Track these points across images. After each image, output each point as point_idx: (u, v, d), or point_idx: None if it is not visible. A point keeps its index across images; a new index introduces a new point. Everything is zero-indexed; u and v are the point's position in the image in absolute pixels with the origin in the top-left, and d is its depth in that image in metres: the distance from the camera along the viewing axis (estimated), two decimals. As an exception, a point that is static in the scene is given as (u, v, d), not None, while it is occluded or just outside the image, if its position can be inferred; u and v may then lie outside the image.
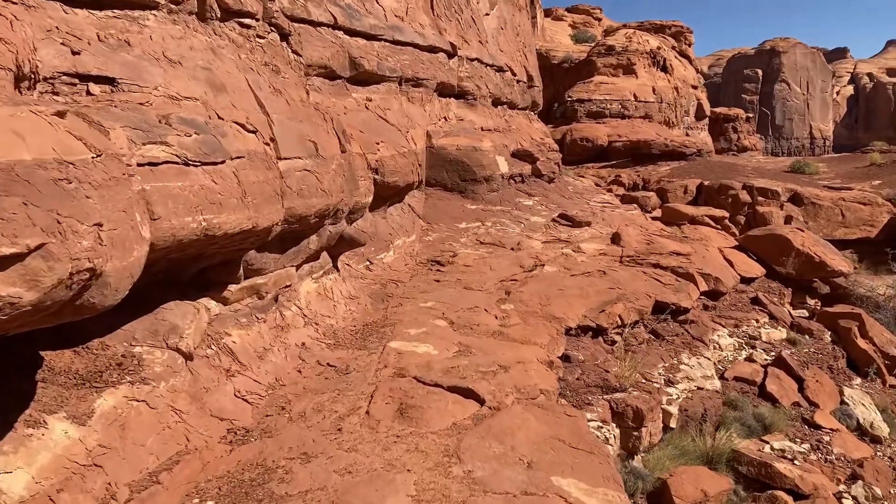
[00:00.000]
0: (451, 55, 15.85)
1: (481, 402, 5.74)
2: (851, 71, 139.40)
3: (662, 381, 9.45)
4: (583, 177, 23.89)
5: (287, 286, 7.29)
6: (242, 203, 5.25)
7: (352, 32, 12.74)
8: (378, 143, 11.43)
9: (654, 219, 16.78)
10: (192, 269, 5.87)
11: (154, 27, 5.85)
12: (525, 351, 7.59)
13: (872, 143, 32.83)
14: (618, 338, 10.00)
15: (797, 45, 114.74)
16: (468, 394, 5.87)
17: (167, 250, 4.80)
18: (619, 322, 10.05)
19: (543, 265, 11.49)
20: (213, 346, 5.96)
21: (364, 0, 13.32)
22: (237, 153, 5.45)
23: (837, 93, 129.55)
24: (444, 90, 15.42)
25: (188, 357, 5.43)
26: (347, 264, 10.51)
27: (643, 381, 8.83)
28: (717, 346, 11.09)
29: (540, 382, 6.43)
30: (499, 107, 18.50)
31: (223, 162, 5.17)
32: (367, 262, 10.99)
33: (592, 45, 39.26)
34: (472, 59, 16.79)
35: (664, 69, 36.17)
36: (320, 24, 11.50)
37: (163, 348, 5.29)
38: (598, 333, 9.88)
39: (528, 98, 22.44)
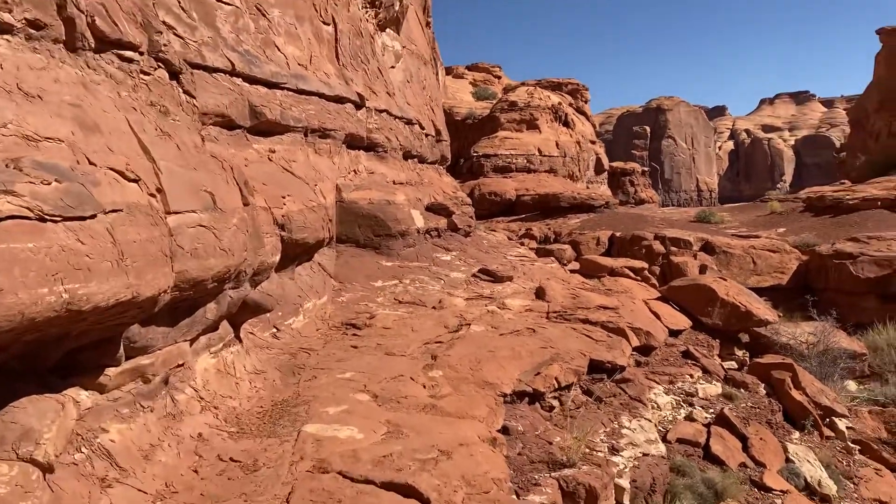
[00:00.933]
0: (358, 106, 15.09)
1: (425, 502, 4.71)
2: (731, 127, 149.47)
3: (607, 450, 8.68)
4: (494, 231, 23.47)
5: (179, 365, 6.09)
6: (119, 268, 4.14)
7: (251, 80, 11.77)
8: (284, 198, 10.39)
9: (572, 272, 16.36)
10: (55, 351, 4.64)
11: (6, 54, 4.72)
12: (464, 427, 6.64)
13: (767, 192, 34.34)
14: (556, 403, 9.21)
15: (681, 104, 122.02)
16: (408, 491, 4.84)
17: (15, 332, 3.63)
18: (556, 385, 9.27)
19: (469, 324, 10.64)
20: (83, 449, 4.70)
21: (264, 47, 12.38)
22: (113, 206, 4.35)
23: (720, 147, 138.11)
24: (353, 142, 14.58)
25: (47, 469, 4.17)
26: (252, 333, 9.31)
27: (589, 451, 8.01)
28: (656, 406, 10.48)
29: (490, 469, 5.49)
30: (409, 160, 17.83)
31: (94, 216, 4.06)
32: (274, 330, 9.81)
33: (495, 101, 39.78)
34: (381, 111, 16.09)
35: (566, 124, 36.94)
36: (216, 70, 10.49)
37: (11, 461, 4.03)
38: (534, 399, 9.06)
39: (437, 152, 21.97)
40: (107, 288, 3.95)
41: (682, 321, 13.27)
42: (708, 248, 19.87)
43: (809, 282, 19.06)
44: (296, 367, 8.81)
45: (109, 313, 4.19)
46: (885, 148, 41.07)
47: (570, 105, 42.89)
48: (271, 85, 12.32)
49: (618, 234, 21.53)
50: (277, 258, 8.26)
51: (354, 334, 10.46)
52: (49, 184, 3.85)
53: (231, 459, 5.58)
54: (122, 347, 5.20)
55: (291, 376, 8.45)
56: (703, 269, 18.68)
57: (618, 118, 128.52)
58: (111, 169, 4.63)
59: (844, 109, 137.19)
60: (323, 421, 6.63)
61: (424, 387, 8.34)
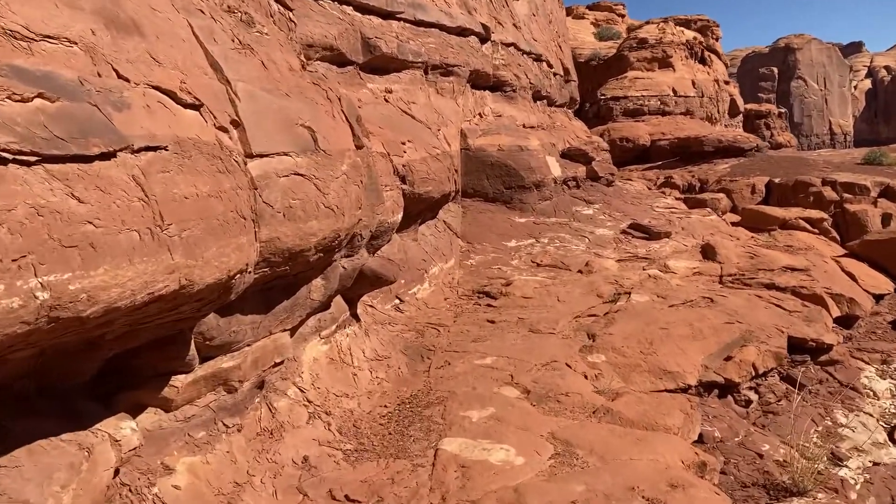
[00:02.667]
0: (483, 39, 13.16)
1: None
2: (868, 65, 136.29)
3: (826, 458, 6.59)
4: (630, 180, 21.02)
5: (277, 364, 4.56)
6: (155, 241, 2.54)
7: (363, 8, 10.12)
8: (404, 144, 8.73)
9: (733, 224, 13.93)
10: (88, 362, 3.16)
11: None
12: (659, 446, 4.78)
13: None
14: (752, 395, 7.16)
15: (812, 42, 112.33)
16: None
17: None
18: (753, 372, 7.22)
19: (629, 293, 8.67)
20: None
21: (377, -29, 10.66)
22: (149, 141, 2.75)
23: (855, 87, 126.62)
24: (477, 80, 12.72)
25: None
26: (371, 306, 7.80)
27: (809, 463, 5.96)
28: (872, 393, 8.18)
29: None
30: (538, 101, 15.78)
31: (108, 156, 2.45)
32: (397, 301, 8.26)
33: (622, 39, 36.47)
34: (508, 45, 14.08)
35: (702, 61, 33.31)
36: (323, -4, 8.90)
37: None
38: (725, 390, 7.07)
39: (566, 93, 19.71)
40: (129, 276, 2.36)
41: (884, 283, 10.69)
42: (889, 193, 16.66)
43: None
44: (424, 348, 7.22)
45: (144, 313, 2.61)
46: None
47: (700, 43, 38.86)
48: (386, 14, 10.62)
49: (776, 181, 18.56)
50: (399, 217, 6.62)
51: (489, 305, 8.75)
52: (29, 101, 2.25)
53: (347, 499, 4.00)
54: (192, 346, 3.70)
55: (420, 361, 6.86)
56: (886, 218, 15.61)
57: (742, 60, 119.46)
58: (154, 87, 3.03)
59: None
60: (466, 432, 4.97)
61: (586, 377, 6.53)
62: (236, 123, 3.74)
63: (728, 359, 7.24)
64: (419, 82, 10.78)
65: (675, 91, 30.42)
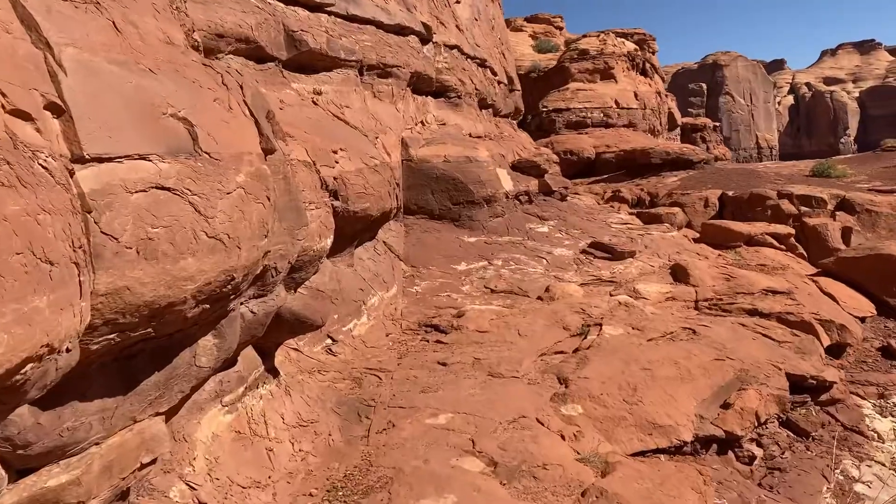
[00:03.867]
0: (424, 40, 11.92)
1: None
2: (790, 81, 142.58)
3: (847, 525, 5.53)
4: (577, 194, 20.09)
5: (146, 465, 3.14)
6: None
7: (287, -1, 8.77)
8: (336, 153, 7.38)
9: (695, 241, 13.03)
10: None
11: None
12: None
13: (883, 140, 29.93)
14: (756, 449, 6.05)
15: (738, 58, 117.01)
16: None
17: None
18: (756, 422, 6.12)
19: (600, 325, 7.51)
20: None
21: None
22: None
23: (779, 103, 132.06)
24: (419, 84, 11.46)
25: None
26: (295, 349, 6.40)
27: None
28: (877, 436, 7.22)
29: None
30: (484, 110, 14.61)
31: None
32: (329, 341, 6.88)
33: (562, 51, 35.95)
34: (452, 47, 12.90)
35: (644, 73, 33.00)
36: (237, -21, 7.51)
37: None
38: (725, 445, 5.93)
39: (511, 103, 18.66)
40: None
41: (866, 305, 9.86)
42: (846, 206, 16.15)
43: None
44: (362, 403, 5.85)
45: None
46: None
47: (641, 55, 38.73)
48: (314, 7, 9.28)
49: (730, 194, 17.90)
50: (329, 241, 5.29)
51: (439, 341, 7.44)
52: None
53: None
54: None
55: (357, 422, 5.50)
56: (846, 232, 15.05)
57: (672, 76, 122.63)
58: None
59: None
60: (419, 539, 3.64)
61: (563, 437, 5.29)
62: (57, 109, 2.36)
63: (726, 406, 6.13)
64: (353, 83, 9.45)
65: (617, 103, 29.90)
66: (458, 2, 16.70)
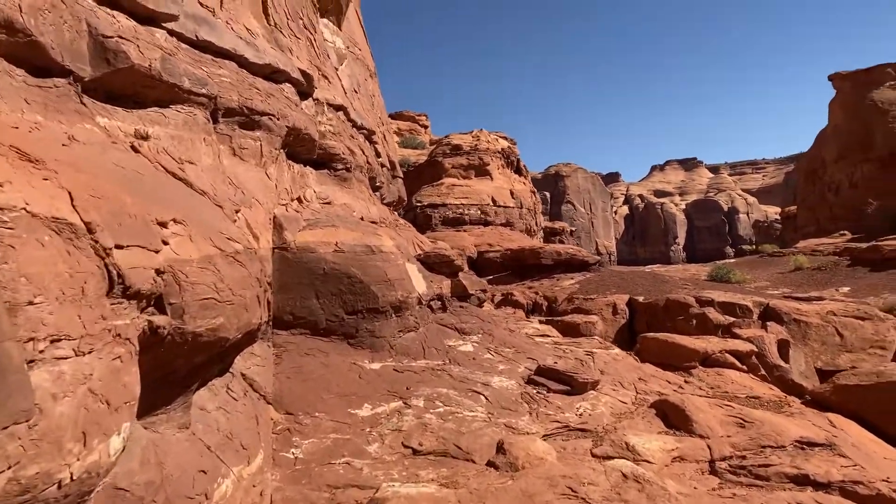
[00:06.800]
0: (304, 93, 8.94)
1: None
2: (625, 192, 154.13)
3: None
4: (467, 297, 17.31)
5: None
6: None
7: (100, -7, 5.55)
8: (165, 226, 4.05)
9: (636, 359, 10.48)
10: None
11: None
12: None
13: (761, 245, 29.98)
14: None
15: (578, 170, 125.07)
16: None
17: None
18: None
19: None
20: None
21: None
22: None
23: (616, 212, 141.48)
24: (297, 147, 8.35)
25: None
26: None
27: None
28: None
29: None
30: (376, 192, 11.65)
31: None
32: None
33: (432, 146, 34.29)
34: (337, 108, 9.97)
35: (518, 171, 31.73)
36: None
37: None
38: None
39: (395, 190, 15.87)
40: None
41: (892, 452, 7.53)
42: (771, 315, 14.51)
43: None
44: None
45: None
46: (847, 200, 38.21)
47: (515, 153, 37.97)
48: (145, 18, 6.07)
49: (640, 299, 15.88)
50: (122, 441, 1.90)
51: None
52: None
53: None
54: None
55: None
56: (783, 346, 13.20)
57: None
58: None
59: (729, 175, 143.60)
60: None
61: None
62: None
63: None
64: (202, 130, 6.18)
65: (494, 200, 28.15)
66: (336, 69, 13.96)
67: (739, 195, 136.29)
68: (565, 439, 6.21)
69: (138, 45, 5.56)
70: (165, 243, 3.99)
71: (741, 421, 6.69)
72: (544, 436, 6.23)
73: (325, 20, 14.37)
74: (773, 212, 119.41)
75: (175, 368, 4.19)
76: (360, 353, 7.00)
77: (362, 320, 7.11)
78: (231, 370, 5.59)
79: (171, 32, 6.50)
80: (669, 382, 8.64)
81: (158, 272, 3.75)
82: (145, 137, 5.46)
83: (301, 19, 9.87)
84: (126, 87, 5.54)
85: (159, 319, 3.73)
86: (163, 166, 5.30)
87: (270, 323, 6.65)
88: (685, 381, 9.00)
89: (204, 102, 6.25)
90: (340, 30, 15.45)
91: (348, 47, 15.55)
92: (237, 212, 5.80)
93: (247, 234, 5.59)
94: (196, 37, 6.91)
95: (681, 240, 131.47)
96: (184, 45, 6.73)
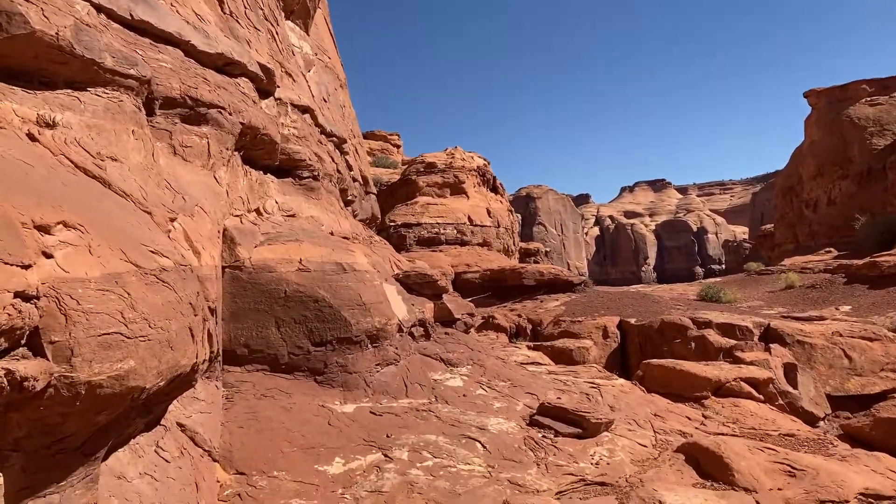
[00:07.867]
0: (265, 91, 7.78)
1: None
2: (596, 213, 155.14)
3: None
4: (446, 321, 16.11)
5: None
6: None
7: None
8: (48, 231, 2.81)
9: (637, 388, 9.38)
10: None
11: None
12: None
13: (747, 264, 29.30)
14: None
15: (549, 192, 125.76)
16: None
17: None
18: None
19: None
20: None
21: None
22: None
23: (586, 233, 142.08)
24: (255, 150, 7.16)
25: None
26: None
27: None
28: None
29: None
30: (348, 206, 10.48)
31: None
32: None
33: (405, 165, 33.24)
34: (303, 110, 8.82)
35: (494, 189, 30.76)
36: None
37: None
38: None
39: (368, 207, 14.73)
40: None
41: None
42: (773, 337, 13.58)
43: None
44: None
45: None
46: (825, 217, 37.86)
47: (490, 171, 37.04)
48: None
49: (632, 321, 14.86)
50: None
51: None
52: None
53: None
54: None
55: None
56: (790, 371, 12.20)
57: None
58: None
59: (698, 195, 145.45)
60: None
61: None
62: None
63: None
64: (131, 121, 4.98)
65: (471, 220, 27.10)
66: (303, 73, 12.80)
67: (708, 215, 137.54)
68: (584, 497, 5.05)
69: (42, 9, 4.37)
70: (48, 256, 2.78)
71: (790, 469, 5.58)
72: (557, 493, 5.06)
73: (290, 23, 13.25)
74: (740, 232, 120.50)
75: (66, 434, 2.97)
76: (330, 393, 5.78)
77: (332, 353, 5.90)
78: (163, 422, 4.35)
79: (99, 8, 5.32)
80: (690, 419, 7.56)
81: (26, 297, 2.54)
82: (51, 125, 4.25)
83: (261, 9, 8.74)
84: (27, 61, 4.34)
85: (27, 367, 2.52)
86: (71, 160, 4.09)
87: (219, 358, 5.42)
88: (705, 417, 7.93)
89: (133, 87, 5.05)
90: (308, 35, 14.35)
91: (316, 54, 14.44)
92: (172, 220, 4.60)
93: (182, 248, 4.38)
94: (131, 15, 5.75)
95: (651, 260, 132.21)
96: (115, 25, 5.55)
